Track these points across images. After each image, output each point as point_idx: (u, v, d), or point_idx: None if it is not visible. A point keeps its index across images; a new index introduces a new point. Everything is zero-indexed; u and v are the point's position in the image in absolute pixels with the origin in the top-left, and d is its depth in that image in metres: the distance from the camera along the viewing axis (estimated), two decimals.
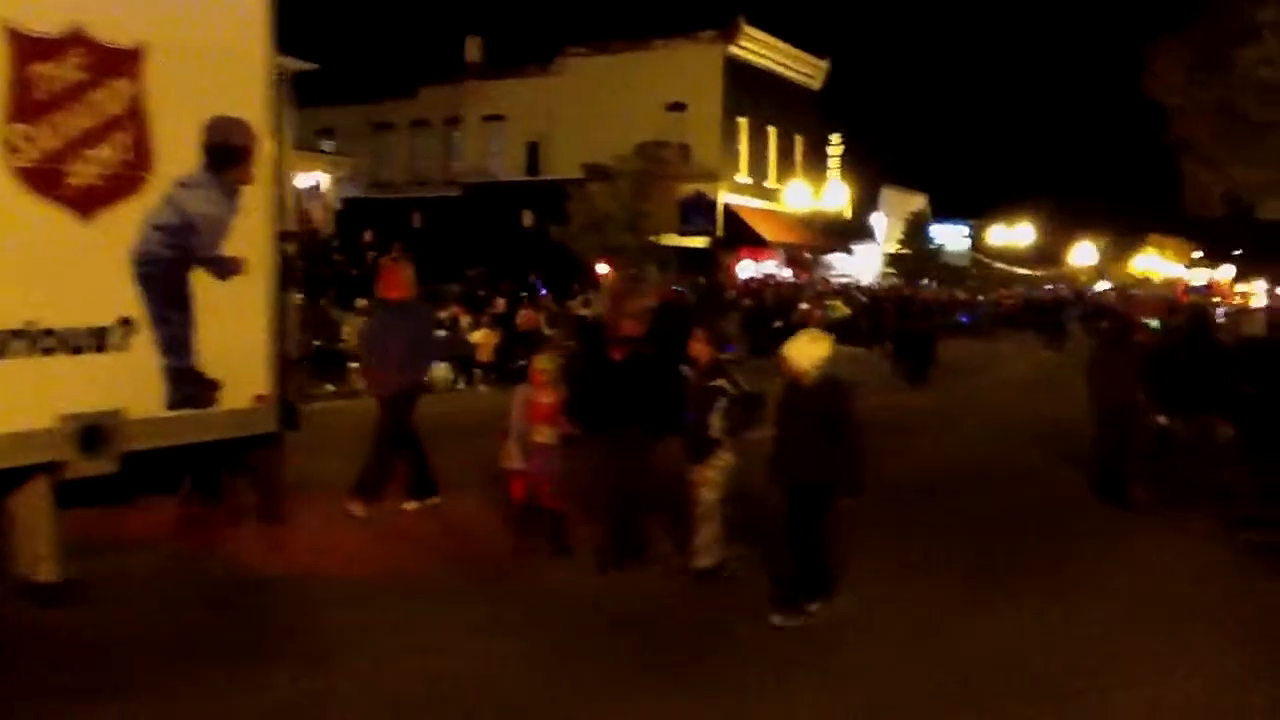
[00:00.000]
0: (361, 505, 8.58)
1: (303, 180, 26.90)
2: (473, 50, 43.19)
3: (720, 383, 7.15)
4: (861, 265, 46.74)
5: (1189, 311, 14.21)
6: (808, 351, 6.62)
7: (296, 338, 8.47)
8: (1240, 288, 68.34)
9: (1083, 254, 65.98)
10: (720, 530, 7.15)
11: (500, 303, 21.65)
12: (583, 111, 37.99)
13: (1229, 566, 7.98)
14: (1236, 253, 73.77)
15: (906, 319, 23.86)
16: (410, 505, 8.85)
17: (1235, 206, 26.07)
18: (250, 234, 7.43)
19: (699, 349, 7.39)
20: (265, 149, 7.55)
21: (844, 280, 42.56)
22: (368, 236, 24.80)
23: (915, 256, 47.59)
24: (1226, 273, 71.48)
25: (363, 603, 6.59)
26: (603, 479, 7.60)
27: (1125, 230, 70.02)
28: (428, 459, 8.94)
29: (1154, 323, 11.92)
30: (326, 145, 37.83)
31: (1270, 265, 62.29)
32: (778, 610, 6.44)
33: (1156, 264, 73.95)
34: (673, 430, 7.40)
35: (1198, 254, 78.31)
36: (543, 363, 7.99)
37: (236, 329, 7.39)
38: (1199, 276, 70.15)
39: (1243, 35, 21.18)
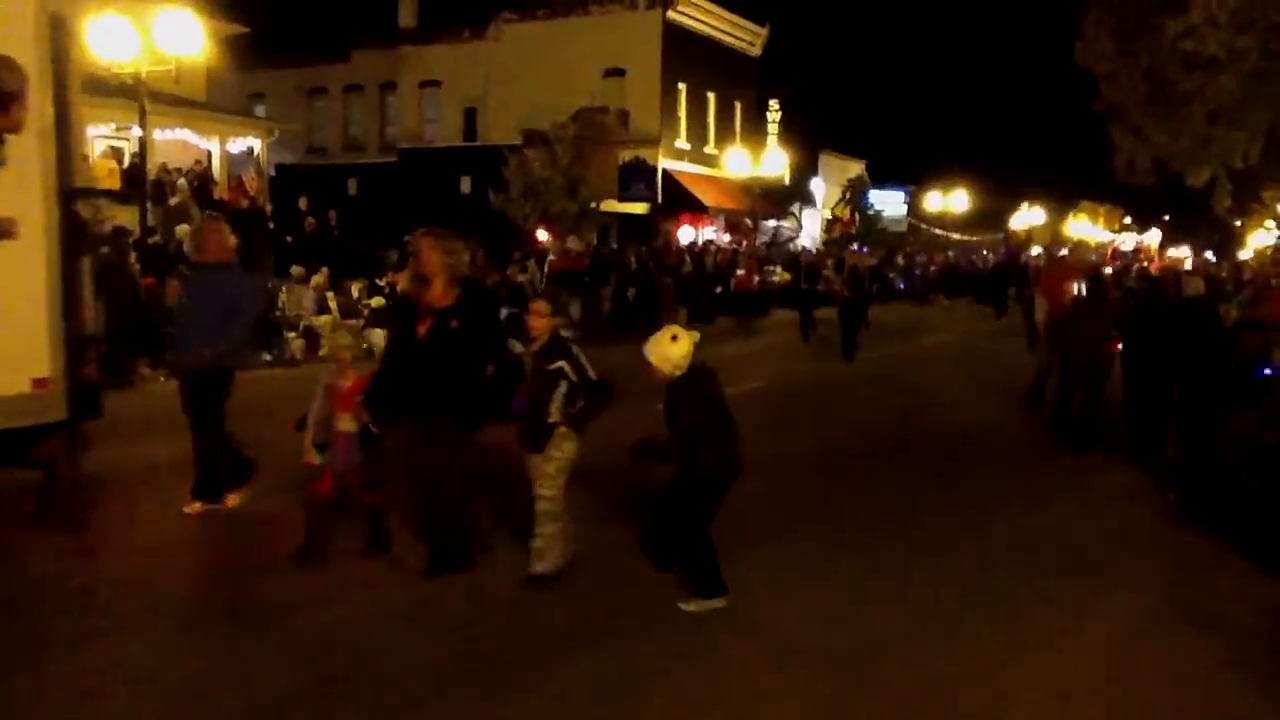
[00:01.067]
0: (200, 504, 7.69)
1: (235, 146, 26.38)
2: (406, 14, 42.51)
3: (560, 365, 6.12)
4: (801, 231, 47.02)
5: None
6: (667, 354, 5.95)
7: (92, 312, 7.21)
8: (1172, 252, 69.79)
9: (1018, 219, 66.91)
10: (561, 531, 6.29)
11: None
12: (520, 76, 37.65)
13: (1149, 526, 8.25)
14: (1165, 218, 75.37)
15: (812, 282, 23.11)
16: (194, 508, 7.66)
17: (1163, 174, 26.59)
18: (22, 191, 6.34)
19: (537, 323, 6.26)
20: (40, 92, 6.48)
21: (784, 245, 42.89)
22: (303, 204, 24.43)
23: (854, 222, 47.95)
24: (1153, 237, 73.01)
25: (140, 628, 5.59)
26: (405, 475, 6.65)
27: (1059, 197, 71.16)
28: (224, 451, 7.73)
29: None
30: (259, 110, 37.14)
31: (1195, 231, 63.76)
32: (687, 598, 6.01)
33: (1089, 230, 75.24)
34: (498, 418, 6.49)
35: (1128, 220, 79.80)
36: (342, 338, 6.74)
37: (6, 303, 6.40)
38: (1127, 241, 71.53)
39: (1169, 5, 21.55)
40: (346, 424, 6.56)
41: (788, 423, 12.41)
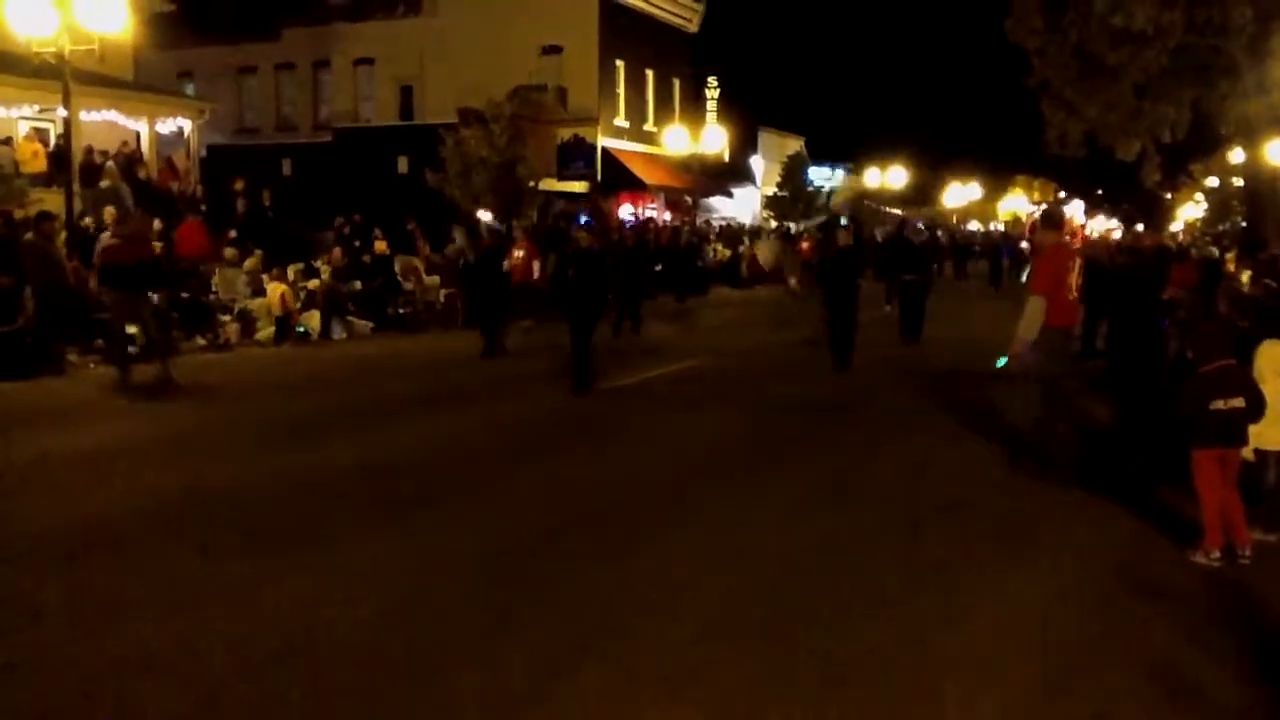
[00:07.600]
0: None
1: (164, 127, 25.81)
2: None
3: None
4: (741, 208, 47.22)
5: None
6: None
7: None
8: (1103, 225, 71.15)
9: (954, 195, 67.71)
10: None
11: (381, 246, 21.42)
12: (456, 54, 37.28)
13: (1079, 494, 8.42)
14: (1098, 192, 76.86)
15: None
16: None
17: (1094, 147, 27.03)
18: None
19: None
20: None
21: (724, 222, 43.01)
22: (239, 185, 24.02)
23: (794, 199, 48.18)
24: (1075, 209, 74.46)
25: None
26: None
27: (995, 172, 72.16)
28: None
29: None
30: (188, 89, 36.40)
31: (1126, 204, 65.15)
32: None
33: (1023, 205, 76.40)
34: None
35: (1061, 194, 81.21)
36: None
37: None
38: None
39: None
40: None
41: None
